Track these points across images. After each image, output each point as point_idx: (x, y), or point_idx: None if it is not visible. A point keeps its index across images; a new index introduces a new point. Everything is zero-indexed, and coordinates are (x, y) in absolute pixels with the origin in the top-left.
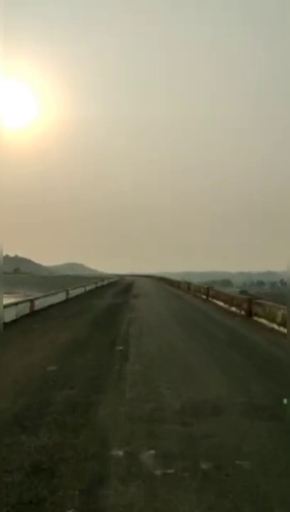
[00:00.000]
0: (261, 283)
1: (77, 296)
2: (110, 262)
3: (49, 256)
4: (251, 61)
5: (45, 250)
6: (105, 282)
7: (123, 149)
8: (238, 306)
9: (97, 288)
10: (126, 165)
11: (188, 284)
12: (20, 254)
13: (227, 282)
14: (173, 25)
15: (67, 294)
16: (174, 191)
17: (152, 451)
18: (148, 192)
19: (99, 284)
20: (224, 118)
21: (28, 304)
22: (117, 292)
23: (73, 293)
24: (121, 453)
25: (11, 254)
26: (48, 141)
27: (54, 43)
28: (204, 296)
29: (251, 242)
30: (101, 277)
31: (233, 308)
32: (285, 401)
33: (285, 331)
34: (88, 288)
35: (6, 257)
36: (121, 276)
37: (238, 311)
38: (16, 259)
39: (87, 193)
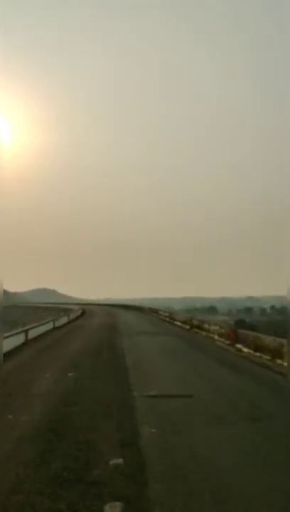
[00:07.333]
0: (249, 309)
1: None
2: (87, 287)
3: (17, 281)
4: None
5: (12, 274)
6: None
7: (101, 169)
8: None
9: None
10: (107, 188)
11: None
12: None
13: (212, 309)
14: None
15: None
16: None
17: None
18: (128, 215)
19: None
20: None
21: None
22: None
23: None
24: None
25: None
26: (23, 163)
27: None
28: None
29: (231, 267)
30: (63, 309)
31: None
32: None
33: None
34: None
35: None
36: (84, 310)
37: None
38: None
39: (65, 213)
